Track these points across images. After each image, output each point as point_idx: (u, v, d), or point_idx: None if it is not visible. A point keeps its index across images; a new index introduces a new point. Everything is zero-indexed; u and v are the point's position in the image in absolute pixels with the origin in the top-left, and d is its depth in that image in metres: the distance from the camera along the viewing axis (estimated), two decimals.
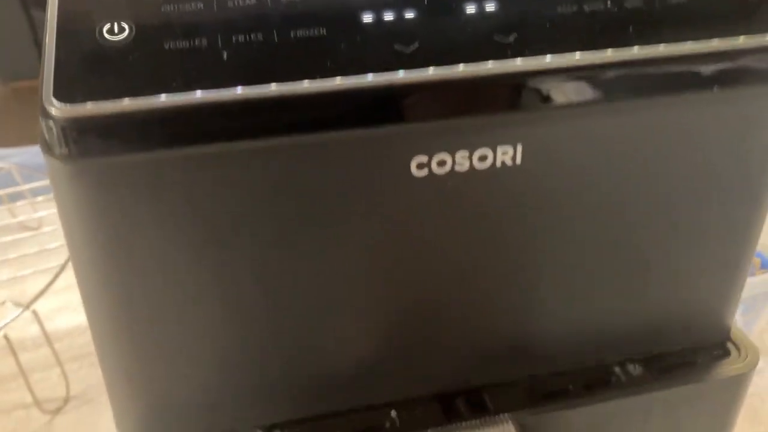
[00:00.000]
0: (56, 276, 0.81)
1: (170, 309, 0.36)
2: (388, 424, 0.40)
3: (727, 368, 0.43)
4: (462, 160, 0.34)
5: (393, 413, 0.41)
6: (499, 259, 0.38)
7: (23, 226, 1.01)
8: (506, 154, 0.34)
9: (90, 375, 0.84)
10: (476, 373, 0.43)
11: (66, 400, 0.81)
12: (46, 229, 1.00)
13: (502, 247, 0.38)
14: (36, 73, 0.31)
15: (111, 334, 0.37)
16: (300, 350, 0.39)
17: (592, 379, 0.43)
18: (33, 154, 1.03)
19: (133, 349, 0.37)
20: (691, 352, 0.44)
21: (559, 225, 0.38)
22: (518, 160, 0.34)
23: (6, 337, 0.75)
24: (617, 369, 0.43)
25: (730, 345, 0.44)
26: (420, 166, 0.34)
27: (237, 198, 0.33)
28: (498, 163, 0.34)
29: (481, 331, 0.41)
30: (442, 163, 0.34)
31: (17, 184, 0.99)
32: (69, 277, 0.93)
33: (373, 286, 0.38)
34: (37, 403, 0.79)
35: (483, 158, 0.34)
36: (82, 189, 0.32)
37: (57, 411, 0.80)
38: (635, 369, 0.43)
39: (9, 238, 0.96)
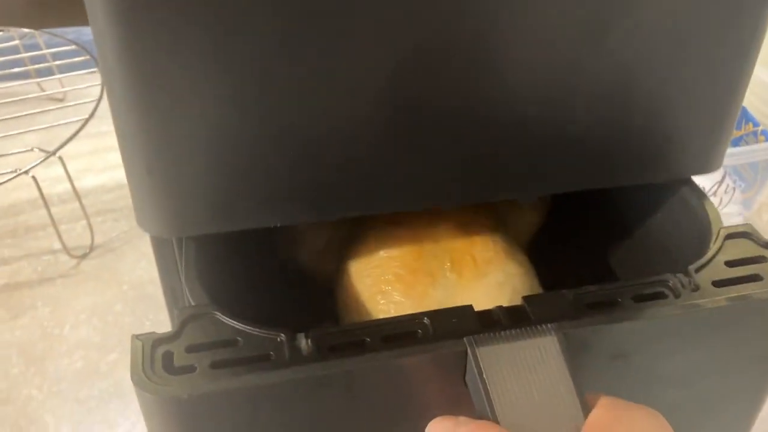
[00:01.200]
0: (82, 126, 0.76)
1: (184, 95, 0.33)
2: (420, 332, 0.32)
3: None
4: None
5: (426, 320, 0.33)
6: (490, 63, 0.34)
7: (41, 87, 0.96)
8: None
9: (113, 228, 0.82)
10: (473, 184, 0.39)
11: (91, 247, 0.78)
12: (66, 88, 0.95)
13: (494, 48, 0.34)
14: None
15: (131, 121, 0.34)
16: (303, 146, 0.35)
17: (643, 292, 0.34)
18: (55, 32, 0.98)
19: (151, 139, 0.34)
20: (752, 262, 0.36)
21: (548, 29, 0.34)
22: None
23: (33, 178, 0.71)
24: (671, 281, 0.35)
25: None
26: None
27: None
28: None
29: (475, 136, 0.37)
30: None
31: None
32: (93, 141, 0.89)
33: (371, 82, 0.34)
34: (66, 248, 0.77)
35: None
36: None
37: (83, 257, 0.78)
38: (691, 282, 0.34)
39: (32, 95, 0.91)
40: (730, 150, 0.71)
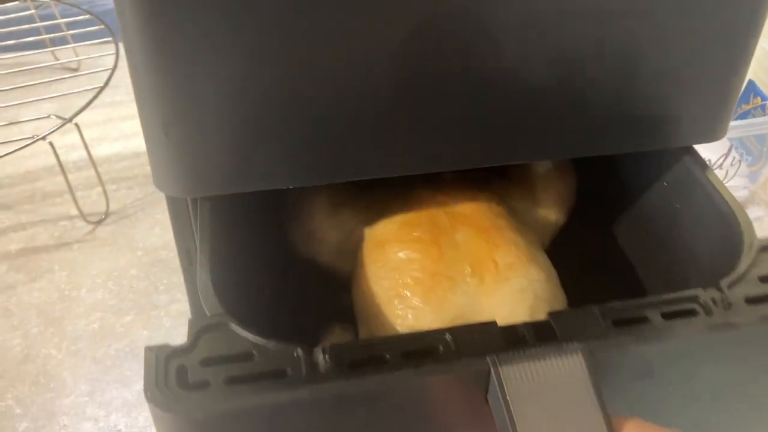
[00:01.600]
0: (97, 94, 0.74)
1: (200, 55, 0.32)
2: (442, 348, 0.30)
3: None
4: None
5: (448, 336, 0.30)
6: (500, 29, 0.33)
7: (55, 56, 0.95)
8: None
9: (127, 195, 0.80)
10: (479, 147, 0.38)
11: (106, 214, 0.77)
12: (81, 57, 0.93)
13: (504, 14, 0.33)
14: None
15: (149, 81, 0.33)
16: (318, 106, 0.34)
17: (673, 308, 0.31)
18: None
19: (167, 99, 0.33)
20: None
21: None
22: None
23: (51, 144, 0.69)
24: (702, 297, 0.32)
25: None
26: None
27: None
28: None
29: (483, 100, 0.36)
30: None
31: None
32: (107, 110, 0.88)
33: (386, 42, 0.33)
34: (82, 214, 0.75)
35: None
36: None
37: (98, 223, 0.76)
38: (724, 298, 0.31)
39: (46, 64, 0.91)
40: (736, 122, 0.68)
